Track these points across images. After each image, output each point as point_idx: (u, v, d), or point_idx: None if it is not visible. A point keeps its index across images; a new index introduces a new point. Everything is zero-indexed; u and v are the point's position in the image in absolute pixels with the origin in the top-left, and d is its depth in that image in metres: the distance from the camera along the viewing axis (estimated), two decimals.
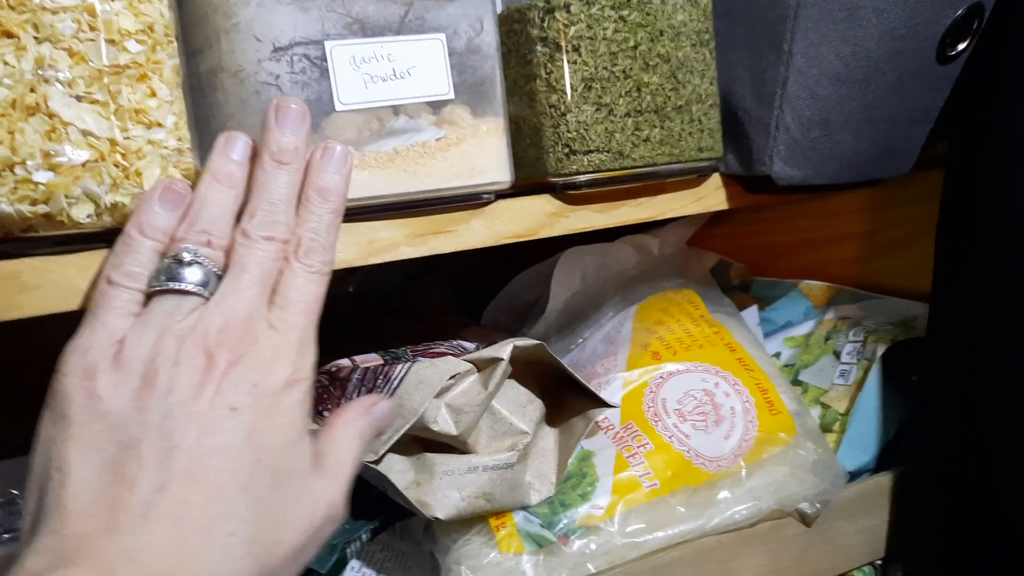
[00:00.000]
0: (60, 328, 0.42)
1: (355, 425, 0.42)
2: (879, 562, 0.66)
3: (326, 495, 0.40)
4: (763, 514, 0.59)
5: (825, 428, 0.67)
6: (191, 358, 0.38)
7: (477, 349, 0.63)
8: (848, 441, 0.66)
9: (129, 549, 0.35)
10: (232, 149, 0.42)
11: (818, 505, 0.60)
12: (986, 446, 0.56)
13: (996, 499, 0.55)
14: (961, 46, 0.58)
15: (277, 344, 0.39)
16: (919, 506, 0.64)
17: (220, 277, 0.40)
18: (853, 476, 0.65)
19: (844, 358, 0.70)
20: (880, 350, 0.67)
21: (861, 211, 0.76)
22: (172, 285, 0.39)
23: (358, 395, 0.56)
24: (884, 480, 0.65)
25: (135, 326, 0.38)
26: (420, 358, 0.59)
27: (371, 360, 0.59)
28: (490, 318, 0.83)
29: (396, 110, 0.49)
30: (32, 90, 0.38)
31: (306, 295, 0.40)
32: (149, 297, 0.39)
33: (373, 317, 0.78)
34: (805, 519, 0.60)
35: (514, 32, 0.54)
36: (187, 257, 0.39)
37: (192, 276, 0.39)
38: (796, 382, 0.71)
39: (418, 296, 0.84)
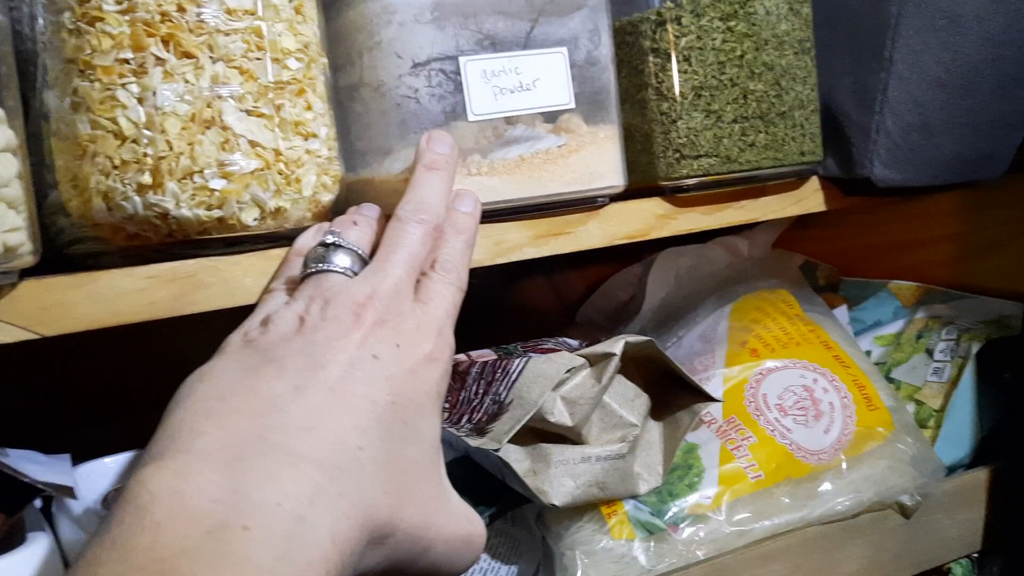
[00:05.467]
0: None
1: None
2: (976, 555, 0.67)
3: (473, 516, 0.42)
4: (864, 506, 0.61)
5: (920, 424, 0.68)
6: (339, 313, 0.39)
7: (581, 345, 0.66)
8: (944, 436, 0.67)
9: (260, 428, 0.34)
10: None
11: (918, 497, 0.62)
12: None
13: None
14: None
15: (420, 321, 0.41)
16: (1015, 501, 0.66)
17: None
18: (949, 470, 0.67)
19: (937, 356, 0.71)
20: (975, 348, 0.69)
21: (952, 213, 0.77)
22: (321, 266, 0.42)
23: (477, 387, 0.59)
24: (981, 475, 0.66)
25: (290, 299, 0.42)
26: (531, 353, 0.62)
27: (486, 355, 0.62)
28: (584, 316, 0.86)
29: (513, 120, 0.52)
30: (209, 105, 0.42)
31: (444, 297, 0.43)
32: (302, 281, 0.43)
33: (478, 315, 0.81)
34: (905, 511, 0.62)
35: (626, 43, 0.57)
36: (330, 240, 0.43)
37: (341, 261, 0.42)
38: (889, 379, 0.73)
39: (517, 294, 0.87)
